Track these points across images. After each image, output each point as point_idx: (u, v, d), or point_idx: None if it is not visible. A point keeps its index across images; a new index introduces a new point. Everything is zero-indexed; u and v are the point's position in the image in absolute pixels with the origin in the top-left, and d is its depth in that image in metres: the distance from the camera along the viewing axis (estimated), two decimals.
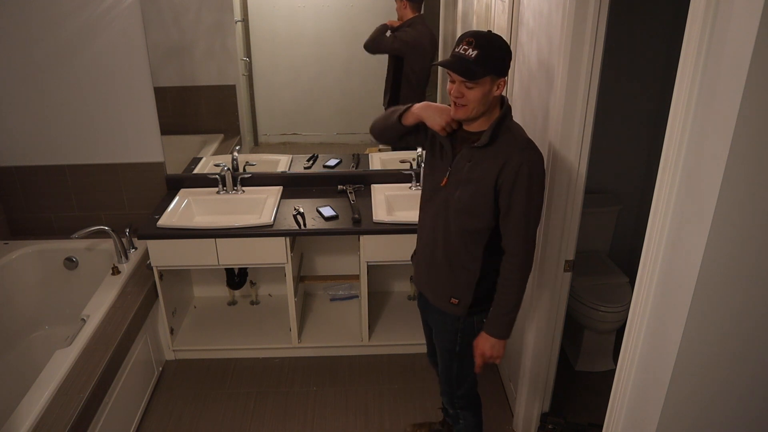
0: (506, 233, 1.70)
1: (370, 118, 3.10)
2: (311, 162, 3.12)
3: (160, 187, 2.96)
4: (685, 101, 1.08)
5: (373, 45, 2.89)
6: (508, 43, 2.27)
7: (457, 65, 1.57)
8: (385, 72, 3.03)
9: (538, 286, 2.17)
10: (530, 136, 2.17)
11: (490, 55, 1.56)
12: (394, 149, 3.19)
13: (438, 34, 3.04)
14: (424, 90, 3.07)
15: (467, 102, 1.61)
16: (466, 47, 1.57)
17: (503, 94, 1.68)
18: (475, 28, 2.70)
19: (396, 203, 2.85)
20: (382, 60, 3.00)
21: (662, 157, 1.17)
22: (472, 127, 1.69)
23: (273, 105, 3.14)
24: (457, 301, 1.82)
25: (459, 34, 2.91)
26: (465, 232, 1.74)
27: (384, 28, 2.87)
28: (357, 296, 3.23)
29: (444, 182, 1.75)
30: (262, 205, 2.79)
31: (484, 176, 1.65)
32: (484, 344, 1.81)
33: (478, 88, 1.58)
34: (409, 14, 2.86)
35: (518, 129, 1.70)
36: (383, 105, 3.07)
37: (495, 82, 1.60)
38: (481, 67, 1.55)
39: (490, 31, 1.62)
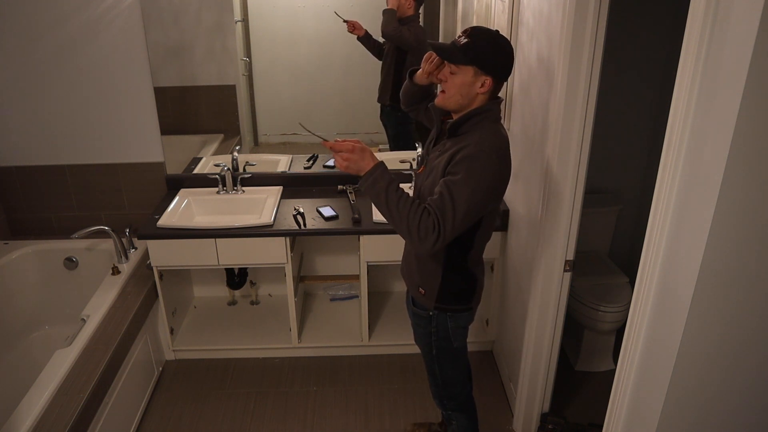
0: (431, 200, 1.57)
1: (370, 117, 3.15)
2: (311, 162, 3.12)
3: (160, 187, 2.96)
4: (685, 101, 1.08)
5: (394, 33, 2.87)
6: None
7: (441, 45, 1.60)
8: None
9: (539, 286, 2.17)
10: (530, 137, 2.19)
11: (477, 45, 1.56)
12: (393, 149, 3.19)
13: (438, 33, 3.04)
14: None
15: (447, 88, 1.62)
16: (461, 35, 1.59)
17: (502, 99, 1.65)
18: None
19: None
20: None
21: (662, 157, 1.17)
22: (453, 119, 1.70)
23: (273, 105, 3.14)
24: (424, 291, 1.81)
25: (459, 33, 2.92)
26: None
27: (394, 13, 2.86)
28: (357, 296, 3.23)
29: (421, 169, 1.78)
30: (262, 205, 2.79)
31: (439, 165, 1.64)
32: (358, 158, 1.59)
33: (460, 75, 1.59)
34: (411, 11, 2.86)
35: (493, 133, 1.62)
36: (385, 103, 3.07)
37: (479, 77, 1.58)
38: (463, 54, 1.56)
39: (492, 30, 1.61)
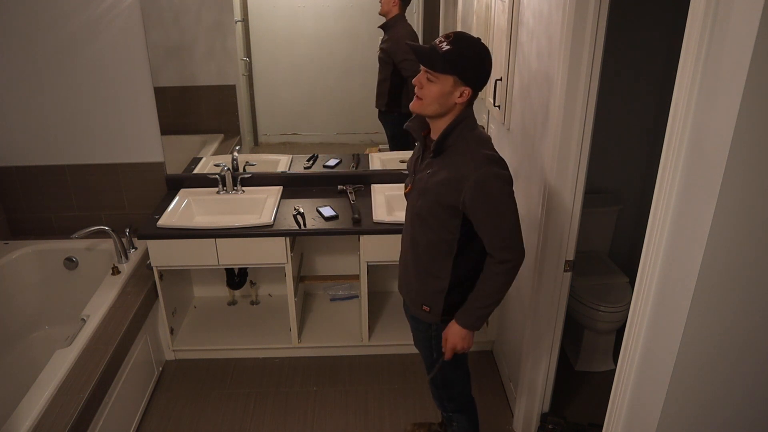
0: (489, 245, 1.64)
1: (370, 117, 3.15)
2: (311, 162, 3.12)
3: (160, 187, 2.96)
4: (685, 101, 1.08)
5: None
6: (508, 43, 2.28)
7: (423, 50, 1.52)
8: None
9: (538, 286, 2.17)
10: (530, 137, 2.19)
11: (459, 54, 1.51)
12: (393, 149, 3.19)
13: (438, 33, 3.04)
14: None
15: (424, 95, 1.56)
16: (443, 40, 1.53)
17: (471, 107, 1.63)
18: (475, 28, 2.71)
19: (396, 203, 2.85)
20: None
21: (662, 157, 1.17)
22: (435, 135, 1.66)
23: (273, 105, 3.14)
24: (428, 308, 1.80)
25: (440, 37, 2.92)
26: (430, 242, 1.71)
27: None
28: (357, 296, 3.23)
29: (408, 189, 1.77)
30: (262, 205, 2.79)
31: (440, 190, 1.61)
32: (455, 335, 1.75)
33: (438, 84, 1.53)
34: (395, 11, 2.86)
35: (476, 142, 1.62)
36: (380, 108, 3.07)
37: (458, 87, 1.54)
38: (445, 63, 1.50)
39: (474, 38, 1.57)
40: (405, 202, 2.81)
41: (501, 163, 1.63)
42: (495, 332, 2.93)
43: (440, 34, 3.02)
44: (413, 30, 2.95)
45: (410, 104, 1.62)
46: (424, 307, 1.81)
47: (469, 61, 1.53)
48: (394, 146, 3.19)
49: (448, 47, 1.51)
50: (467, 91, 1.56)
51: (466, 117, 1.62)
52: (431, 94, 1.55)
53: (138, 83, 2.77)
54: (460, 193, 1.58)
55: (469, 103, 1.62)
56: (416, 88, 1.58)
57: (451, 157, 1.61)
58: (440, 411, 2.12)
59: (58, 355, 2.15)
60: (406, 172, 2.88)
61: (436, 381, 1.98)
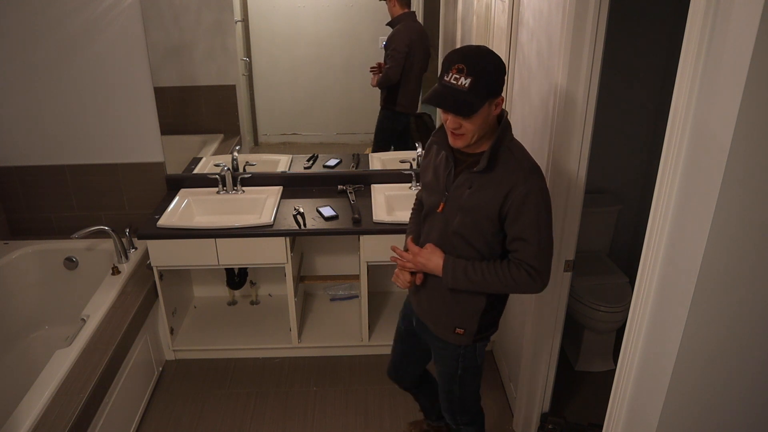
0: (524, 250, 1.58)
1: (370, 118, 3.15)
2: (311, 162, 3.12)
3: (160, 187, 2.96)
4: (685, 101, 1.08)
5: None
6: (508, 43, 2.28)
7: (450, 102, 1.44)
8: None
9: None
10: (530, 136, 2.19)
11: (484, 80, 1.44)
12: (394, 149, 3.19)
13: (438, 33, 3.04)
14: (420, 82, 3.06)
15: (465, 131, 1.51)
16: (457, 76, 1.43)
17: (504, 108, 1.59)
18: (474, 28, 2.70)
19: (396, 203, 2.84)
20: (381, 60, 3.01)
21: (662, 156, 1.17)
22: (471, 149, 1.60)
23: (273, 105, 3.14)
24: (462, 330, 1.74)
25: (459, 34, 2.91)
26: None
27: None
28: (357, 296, 3.23)
29: (441, 208, 1.66)
30: (262, 205, 2.79)
31: (487, 203, 1.56)
32: (428, 257, 1.67)
33: (478, 116, 1.47)
34: (398, 11, 2.87)
35: (520, 151, 1.59)
36: (381, 105, 3.07)
37: (492, 103, 1.50)
38: (477, 97, 1.44)
39: (479, 48, 1.50)
40: (406, 203, 2.83)
41: (539, 168, 1.60)
42: (495, 332, 2.92)
43: (440, 34, 3.03)
44: (420, 28, 2.95)
45: (452, 142, 1.56)
46: (458, 329, 1.74)
47: (493, 76, 1.47)
48: (379, 139, 3.17)
49: (469, 80, 1.42)
50: (500, 99, 1.52)
51: (507, 126, 1.58)
52: (474, 127, 1.50)
53: (138, 83, 2.77)
54: (506, 202, 1.54)
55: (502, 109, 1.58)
56: (451, 127, 1.52)
57: (499, 170, 1.56)
58: (450, 424, 2.06)
59: (58, 355, 2.15)
60: (407, 171, 2.90)
61: (452, 396, 1.92)
